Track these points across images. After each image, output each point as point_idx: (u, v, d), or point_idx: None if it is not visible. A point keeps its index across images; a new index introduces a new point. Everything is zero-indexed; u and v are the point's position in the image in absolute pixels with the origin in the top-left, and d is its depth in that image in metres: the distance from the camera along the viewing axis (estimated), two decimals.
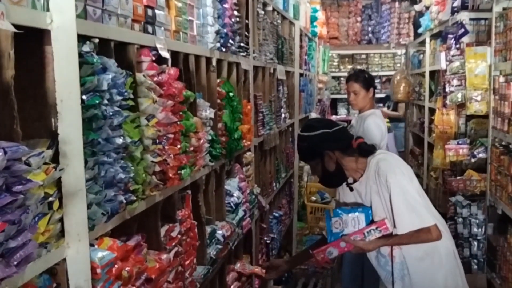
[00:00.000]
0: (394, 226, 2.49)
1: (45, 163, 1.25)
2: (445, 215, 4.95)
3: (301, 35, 6.14)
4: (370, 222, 2.53)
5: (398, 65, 11.26)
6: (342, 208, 2.63)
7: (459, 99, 4.77)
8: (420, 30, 7.68)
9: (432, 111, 6.54)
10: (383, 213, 2.52)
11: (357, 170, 2.58)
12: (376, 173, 2.51)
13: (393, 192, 2.45)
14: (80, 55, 1.38)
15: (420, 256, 2.55)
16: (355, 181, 2.62)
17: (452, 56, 4.86)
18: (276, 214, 4.62)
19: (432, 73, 6.94)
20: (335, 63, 11.54)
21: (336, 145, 2.53)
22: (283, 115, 4.89)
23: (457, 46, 4.84)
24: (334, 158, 2.53)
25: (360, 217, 2.55)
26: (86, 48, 1.41)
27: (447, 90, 4.97)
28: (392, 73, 10.52)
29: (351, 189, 2.62)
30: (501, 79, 3.99)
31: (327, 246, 2.59)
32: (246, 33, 3.38)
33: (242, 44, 3.22)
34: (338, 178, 2.62)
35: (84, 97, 1.38)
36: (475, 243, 4.55)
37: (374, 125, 4.10)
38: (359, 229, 2.54)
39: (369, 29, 11.81)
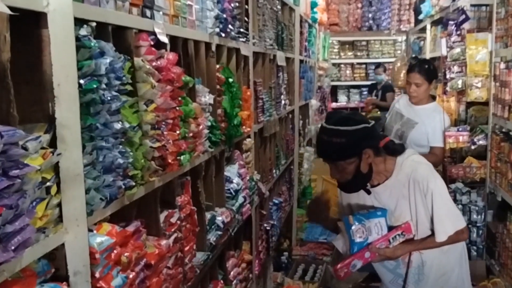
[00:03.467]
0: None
1: (43, 148, 1.24)
2: None
3: (301, 21, 6.10)
4: (388, 225, 2.38)
5: (399, 52, 11.22)
6: (360, 213, 2.42)
7: (460, 86, 4.75)
8: (420, 17, 7.63)
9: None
10: (408, 218, 2.40)
11: (383, 172, 2.41)
12: (411, 178, 2.35)
13: (435, 199, 2.34)
14: (77, 38, 1.36)
15: (440, 260, 2.49)
16: (373, 184, 2.43)
17: (453, 42, 4.83)
18: (276, 201, 4.62)
19: (433, 60, 6.90)
20: (336, 50, 11.49)
21: (374, 143, 2.32)
22: (283, 102, 4.87)
23: (458, 32, 4.80)
24: (372, 158, 2.31)
25: (381, 222, 2.36)
26: (83, 31, 1.39)
27: (447, 76, 4.95)
28: (392, 60, 10.48)
29: (369, 192, 2.44)
30: (502, 65, 3.96)
31: (351, 258, 2.36)
32: (245, 18, 3.35)
33: (241, 30, 3.20)
34: (364, 181, 2.39)
35: (81, 81, 1.37)
36: (475, 230, 4.55)
37: (441, 123, 4.04)
38: (382, 236, 2.36)
39: (370, 15, 11.73)
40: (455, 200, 4.63)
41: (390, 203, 2.42)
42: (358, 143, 2.24)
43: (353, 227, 2.35)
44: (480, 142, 4.49)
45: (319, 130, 2.34)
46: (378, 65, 9.73)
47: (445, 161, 5.24)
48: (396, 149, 2.42)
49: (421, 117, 4.04)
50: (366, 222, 2.35)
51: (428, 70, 4.00)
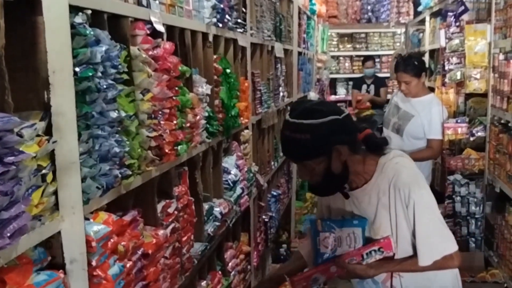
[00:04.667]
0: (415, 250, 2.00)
1: (38, 135, 1.23)
2: (443, 194, 4.98)
3: (299, 13, 6.09)
4: (365, 238, 2.00)
5: (398, 44, 11.19)
6: (333, 220, 2.04)
7: (458, 77, 4.75)
8: (420, 9, 7.62)
9: (432, 90, 6.50)
10: (388, 232, 2.00)
11: (362, 173, 2.01)
12: (392, 183, 1.95)
13: (419, 213, 1.93)
14: (73, 26, 1.36)
15: (424, 285, 2.08)
16: (352, 187, 2.05)
17: (452, 33, 4.82)
18: (275, 193, 4.63)
19: (432, 52, 6.90)
20: (334, 42, 11.46)
21: (348, 138, 1.91)
22: (281, 94, 4.87)
23: (457, 23, 4.80)
24: (344, 155, 1.91)
25: (356, 233, 1.98)
26: (79, 19, 1.38)
27: (446, 68, 4.94)
28: (391, 52, 10.46)
29: (347, 196, 2.04)
30: (501, 56, 3.96)
31: (313, 271, 2.02)
32: (243, 9, 3.34)
33: (239, 20, 3.19)
34: (338, 183, 2.00)
35: (77, 69, 1.37)
36: (473, 221, 4.57)
37: (440, 115, 4.00)
38: (355, 249, 1.97)
39: (369, 7, 11.70)
40: (453, 192, 4.65)
41: (369, 211, 2.02)
42: (326, 139, 1.86)
43: (320, 235, 2.00)
44: (479, 133, 4.50)
45: (282, 124, 1.99)
46: (366, 58, 8.98)
47: (443, 153, 5.25)
48: (378, 144, 2.01)
49: (417, 109, 4.04)
50: (337, 231, 1.99)
51: (414, 66, 3.98)
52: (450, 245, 2.00)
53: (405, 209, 1.95)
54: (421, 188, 1.97)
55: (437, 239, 1.98)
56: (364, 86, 8.28)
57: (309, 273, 2.03)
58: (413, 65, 3.98)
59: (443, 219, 2.05)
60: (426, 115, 3.99)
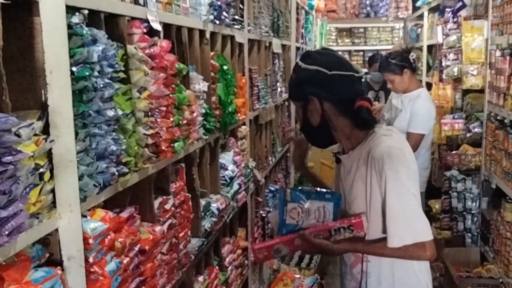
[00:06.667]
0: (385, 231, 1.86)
1: (36, 135, 1.25)
2: (440, 190, 5.00)
3: (297, 8, 6.09)
4: (338, 214, 1.89)
5: (396, 39, 11.20)
6: (304, 191, 1.93)
7: (455, 74, 4.76)
8: (418, 4, 7.62)
9: (429, 86, 6.53)
10: (362, 208, 1.88)
11: (350, 137, 1.95)
12: (370, 153, 1.85)
13: (389, 188, 1.80)
14: (69, 26, 1.37)
15: (391, 278, 1.95)
16: (343, 151, 2.00)
17: (449, 30, 4.84)
18: (272, 188, 4.65)
19: (430, 47, 6.91)
20: (333, 37, 11.47)
21: (328, 95, 1.88)
22: (279, 89, 4.88)
23: (455, 19, 4.81)
24: (319, 110, 1.91)
25: (327, 207, 1.88)
26: (75, 19, 1.40)
27: (443, 64, 4.96)
28: (390, 47, 10.45)
29: (338, 161, 2.00)
30: (498, 53, 3.97)
31: (275, 241, 1.92)
32: (240, 5, 3.35)
33: (236, 17, 3.20)
34: (322, 137, 1.99)
35: (74, 68, 1.38)
36: (469, 217, 4.60)
37: (423, 109, 3.95)
38: (324, 223, 1.87)
39: (368, 2, 11.68)
40: (450, 188, 4.68)
41: (348, 180, 1.94)
42: (301, 85, 1.91)
43: (288, 205, 1.90)
44: (476, 129, 4.52)
45: None
46: (372, 58, 6.99)
47: (441, 148, 5.28)
48: (365, 120, 1.89)
49: (404, 104, 4.07)
50: (306, 203, 1.89)
51: (393, 64, 3.99)
52: (424, 233, 1.83)
53: (379, 182, 1.83)
54: (399, 164, 1.80)
55: (408, 221, 1.82)
56: (371, 93, 6.22)
57: (272, 243, 1.93)
58: (393, 64, 4.00)
59: (420, 205, 1.87)
60: (411, 109, 4.00)
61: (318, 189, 1.98)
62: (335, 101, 1.89)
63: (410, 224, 1.82)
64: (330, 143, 2.03)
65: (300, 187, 2.01)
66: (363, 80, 2.22)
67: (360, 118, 1.89)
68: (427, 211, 5.47)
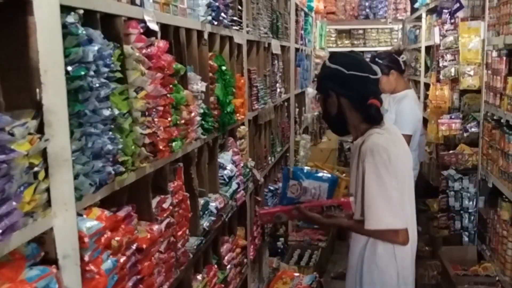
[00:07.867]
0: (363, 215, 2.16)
1: (30, 134, 1.25)
2: (437, 189, 5.01)
3: (297, 9, 6.10)
4: (332, 194, 2.25)
5: (395, 40, 11.23)
6: (305, 171, 2.32)
7: (453, 74, 4.77)
8: (416, 5, 7.63)
9: (427, 86, 6.55)
10: (352, 191, 2.21)
11: (356, 130, 2.27)
12: (361, 145, 2.18)
13: (368, 178, 2.10)
14: (64, 26, 1.38)
15: (366, 253, 2.24)
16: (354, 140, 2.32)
17: (446, 30, 4.85)
18: (272, 188, 4.66)
19: (428, 48, 6.92)
20: (333, 38, 11.49)
21: (344, 92, 2.20)
22: (278, 90, 4.89)
23: (452, 20, 4.82)
24: (336, 103, 2.23)
25: (322, 187, 2.24)
26: (71, 19, 1.40)
27: (440, 65, 4.97)
28: (388, 48, 10.46)
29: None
30: (494, 53, 3.98)
31: (277, 209, 2.33)
32: (239, 6, 3.36)
33: (235, 18, 3.21)
34: (339, 126, 2.34)
35: (69, 68, 1.38)
36: (466, 216, 4.61)
37: (408, 110, 3.93)
38: (318, 201, 2.24)
39: (367, 4, 11.70)
40: (447, 187, 4.69)
41: (351, 165, 2.27)
42: (324, 80, 2.26)
43: (290, 181, 2.29)
44: (473, 129, 4.53)
45: None
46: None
47: (438, 148, 5.29)
48: (371, 115, 2.21)
49: (390, 104, 4.06)
50: (304, 182, 2.25)
51: (381, 65, 3.90)
52: (396, 221, 2.12)
53: (362, 172, 2.12)
54: (378, 161, 2.09)
55: (382, 209, 2.09)
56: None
57: (274, 210, 2.34)
58: (380, 64, 3.91)
59: (396, 197, 2.11)
60: (396, 110, 3.99)
61: (318, 170, 2.35)
62: (349, 97, 2.21)
63: (383, 212, 2.10)
64: (345, 132, 2.35)
65: (301, 168, 2.39)
66: None
67: (369, 114, 2.20)
68: (425, 209, 5.49)
